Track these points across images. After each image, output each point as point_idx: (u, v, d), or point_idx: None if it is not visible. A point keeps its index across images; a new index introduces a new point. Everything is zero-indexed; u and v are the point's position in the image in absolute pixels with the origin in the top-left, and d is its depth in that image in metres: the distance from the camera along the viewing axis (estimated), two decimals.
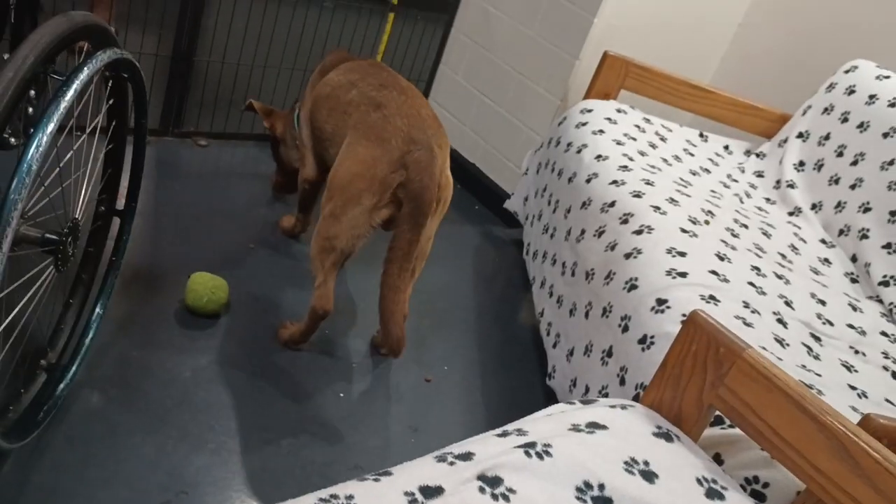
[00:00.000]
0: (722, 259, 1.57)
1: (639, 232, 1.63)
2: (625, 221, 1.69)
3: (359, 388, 1.75)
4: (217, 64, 2.55)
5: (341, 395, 1.71)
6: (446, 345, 2.02)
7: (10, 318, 1.14)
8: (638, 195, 1.76)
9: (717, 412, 1.06)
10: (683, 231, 1.64)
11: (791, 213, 2.09)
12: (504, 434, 0.96)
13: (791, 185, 2.15)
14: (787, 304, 1.53)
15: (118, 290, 1.66)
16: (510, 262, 2.54)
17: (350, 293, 2.08)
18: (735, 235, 1.74)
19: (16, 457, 1.30)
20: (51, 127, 1.00)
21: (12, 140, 1.10)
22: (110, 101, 1.39)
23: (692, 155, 2.25)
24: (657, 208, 1.71)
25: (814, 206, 2.09)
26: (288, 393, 1.66)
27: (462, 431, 1.75)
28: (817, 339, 1.47)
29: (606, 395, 1.43)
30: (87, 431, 1.40)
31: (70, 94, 1.05)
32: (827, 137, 2.16)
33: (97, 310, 1.54)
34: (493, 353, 2.05)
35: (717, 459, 1.06)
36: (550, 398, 1.79)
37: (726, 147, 2.41)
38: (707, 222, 1.73)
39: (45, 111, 1.02)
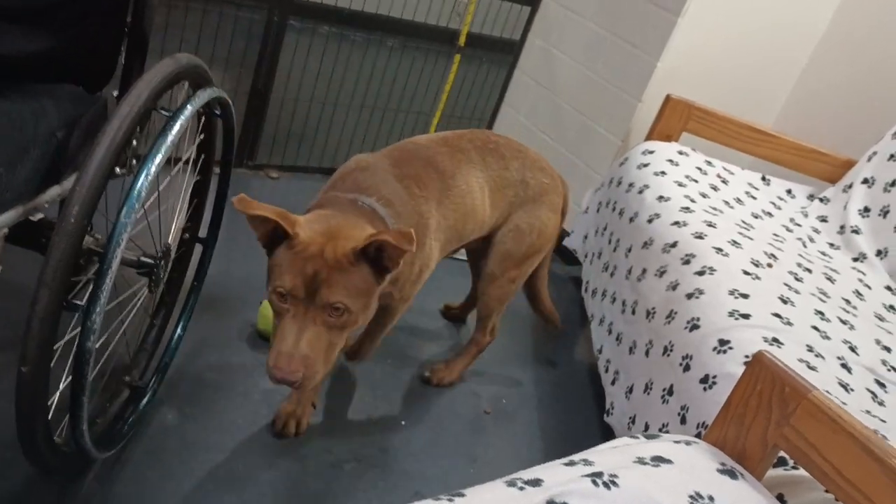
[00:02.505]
0: (785, 302, 1.58)
1: (701, 273, 1.65)
2: (686, 262, 1.71)
3: (420, 417, 1.80)
4: (290, 101, 2.67)
5: (403, 423, 1.76)
6: (504, 378, 2.05)
7: (106, 334, 1.23)
8: (700, 236, 1.78)
9: (781, 453, 1.08)
10: (746, 273, 1.65)
11: (856, 259, 2.08)
12: (571, 463, 0.99)
13: (856, 231, 2.14)
14: (852, 349, 1.53)
15: (195, 313, 1.74)
16: (567, 299, 2.57)
17: (407, 332, 2.14)
18: (798, 279, 1.74)
19: (101, 467, 1.38)
20: (159, 158, 1.09)
21: (117, 169, 1.20)
22: (201, 136, 1.49)
23: (754, 198, 2.26)
24: (719, 250, 1.73)
25: (879, 253, 2.07)
26: (352, 418, 1.72)
27: (519, 464, 1.76)
28: (882, 385, 1.46)
29: (668, 433, 1.45)
30: (165, 446, 1.48)
31: (176, 128, 1.14)
32: (893, 184, 2.15)
33: (178, 331, 1.63)
34: (550, 388, 2.07)
35: (781, 499, 1.07)
36: (607, 434, 1.81)
37: (789, 191, 2.41)
38: (770, 265, 1.74)
39: (154, 144, 1.11)
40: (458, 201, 1.57)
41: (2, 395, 1.41)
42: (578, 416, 2.00)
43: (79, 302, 1.02)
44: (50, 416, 1.09)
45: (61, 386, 1.15)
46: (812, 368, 1.38)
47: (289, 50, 2.54)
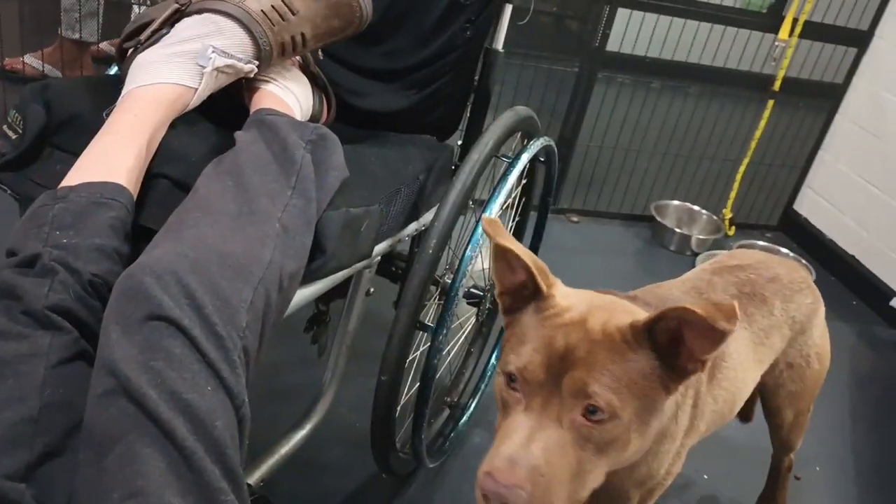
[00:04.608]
0: None
1: None
2: None
3: (722, 474, 1.73)
4: (594, 147, 2.76)
5: (705, 476, 1.71)
6: (817, 444, 1.89)
7: (448, 356, 1.37)
8: None
9: None
10: None
11: None
12: None
13: None
14: None
15: None
16: (893, 366, 2.30)
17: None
18: None
19: (424, 476, 1.53)
20: (501, 199, 1.21)
21: None
22: (524, 181, 1.61)
23: None
24: None
25: None
26: None
27: None
28: None
29: None
30: (476, 465, 1.59)
31: (515, 172, 1.26)
32: None
33: (492, 360, 1.76)
34: (869, 462, 1.87)
35: None
36: None
37: None
38: None
39: (496, 186, 1.24)
40: (731, 375, 1.12)
41: (345, 403, 1.64)
42: None
43: (430, 323, 1.16)
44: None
45: (402, 399, 1.30)
46: None
47: (595, 99, 2.64)
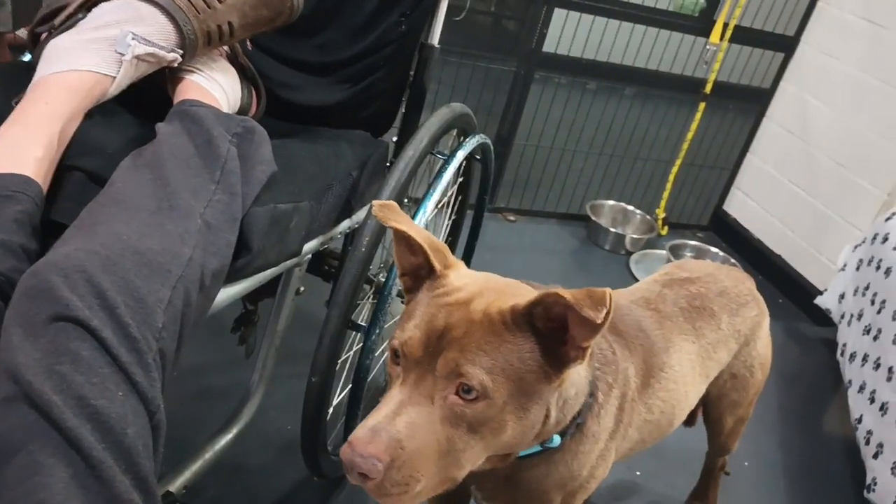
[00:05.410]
0: None
1: None
2: None
3: (653, 470, 1.76)
4: (531, 147, 2.77)
5: (637, 473, 1.73)
6: (746, 441, 1.93)
7: (382, 356, 1.35)
8: None
9: None
10: None
11: None
12: None
13: None
14: None
15: None
16: (818, 363, 2.38)
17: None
18: None
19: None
20: (436, 196, 1.19)
21: None
22: (460, 179, 1.59)
23: None
24: None
25: None
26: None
27: None
28: None
29: None
30: None
31: (451, 170, 1.24)
32: None
33: None
34: (796, 457, 1.93)
35: None
36: None
37: None
38: None
39: (431, 183, 1.22)
40: (671, 388, 1.11)
41: (275, 405, 1.60)
42: (829, 488, 1.84)
43: (363, 323, 1.14)
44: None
45: (335, 401, 1.27)
46: None
47: (532, 99, 2.64)
